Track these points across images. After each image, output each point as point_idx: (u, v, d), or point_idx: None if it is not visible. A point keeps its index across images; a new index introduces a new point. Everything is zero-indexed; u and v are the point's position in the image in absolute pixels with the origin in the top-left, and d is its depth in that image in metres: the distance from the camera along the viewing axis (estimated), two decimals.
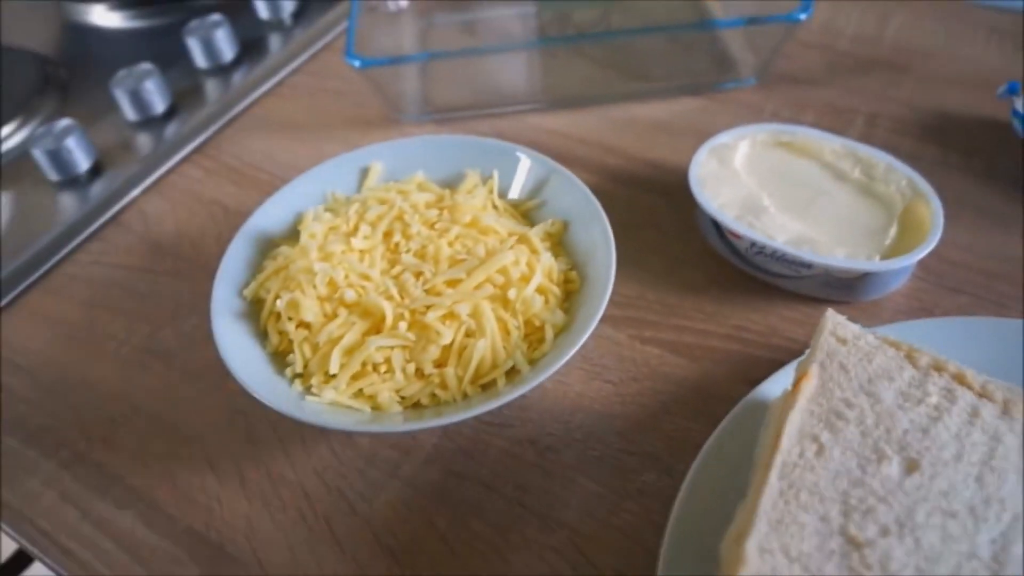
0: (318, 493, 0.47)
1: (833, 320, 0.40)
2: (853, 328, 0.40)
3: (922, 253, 0.49)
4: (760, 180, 0.54)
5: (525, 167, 0.56)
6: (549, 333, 0.47)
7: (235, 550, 0.45)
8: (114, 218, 0.66)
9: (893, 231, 0.51)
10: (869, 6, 0.73)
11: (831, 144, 0.55)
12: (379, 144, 0.57)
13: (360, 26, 0.67)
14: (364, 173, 0.57)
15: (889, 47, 0.69)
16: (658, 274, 0.54)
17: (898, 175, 0.53)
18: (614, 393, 0.49)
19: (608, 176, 0.62)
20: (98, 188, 0.66)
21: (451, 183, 0.56)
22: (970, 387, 0.38)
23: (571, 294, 0.49)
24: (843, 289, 0.50)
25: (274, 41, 0.78)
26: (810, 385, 0.37)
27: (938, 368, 0.38)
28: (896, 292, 0.52)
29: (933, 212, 0.51)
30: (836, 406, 0.37)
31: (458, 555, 0.44)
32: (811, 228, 0.51)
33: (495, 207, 0.53)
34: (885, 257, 0.50)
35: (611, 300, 0.50)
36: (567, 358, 0.44)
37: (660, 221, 0.58)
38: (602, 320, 0.51)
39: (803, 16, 0.60)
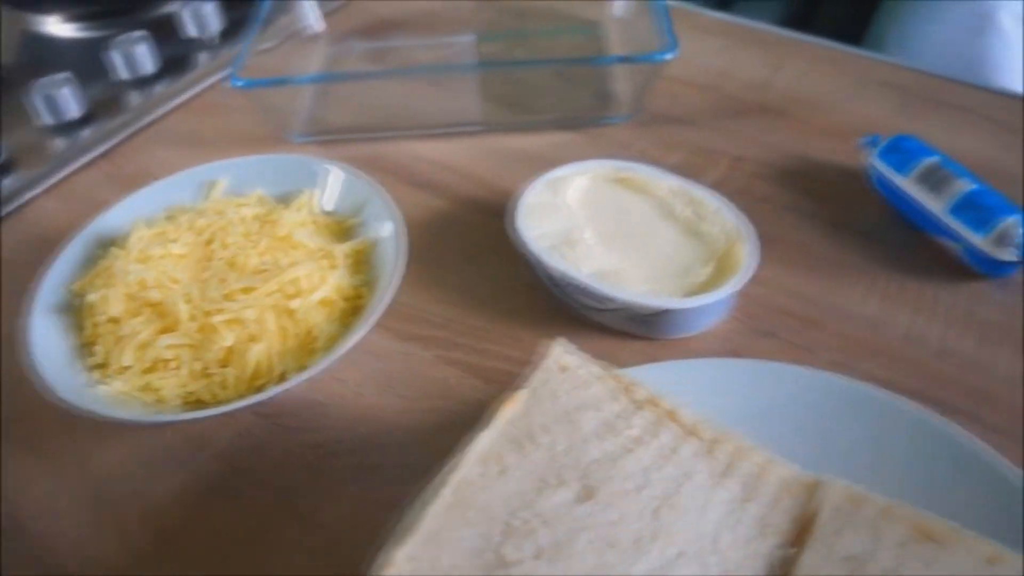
0: (109, 478, 0.48)
1: (560, 348, 0.40)
2: (577, 357, 0.40)
3: (721, 295, 0.50)
4: (588, 213, 0.54)
5: (348, 185, 0.59)
6: (321, 343, 0.49)
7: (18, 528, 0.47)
8: (11, 214, 0.69)
9: (708, 271, 0.51)
10: (769, 54, 0.74)
11: (667, 182, 0.56)
12: (226, 161, 0.59)
13: (278, 48, 0.72)
14: (211, 186, 0.58)
15: (777, 94, 0.69)
16: (481, 299, 0.54)
17: (724, 216, 0.53)
18: (404, 408, 0.49)
19: (460, 202, 0.63)
20: (4, 184, 0.69)
21: (289, 198, 0.57)
22: (680, 424, 0.38)
23: (360, 309, 0.50)
24: (646, 325, 0.50)
25: (201, 58, 0.81)
26: (513, 409, 0.37)
27: (652, 404, 0.38)
28: (708, 332, 0.51)
29: (747, 254, 0.51)
30: (532, 430, 0.37)
31: (219, 548, 0.45)
32: (625, 263, 0.52)
33: (315, 223, 0.54)
34: (691, 295, 0.50)
35: (427, 321, 0.53)
36: (323, 366, 0.46)
37: (496, 248, 0.58)
38: (413, 340, 0.53)
39: (667, 56, 0.60)
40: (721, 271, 0.51)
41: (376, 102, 0.67)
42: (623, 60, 0.62)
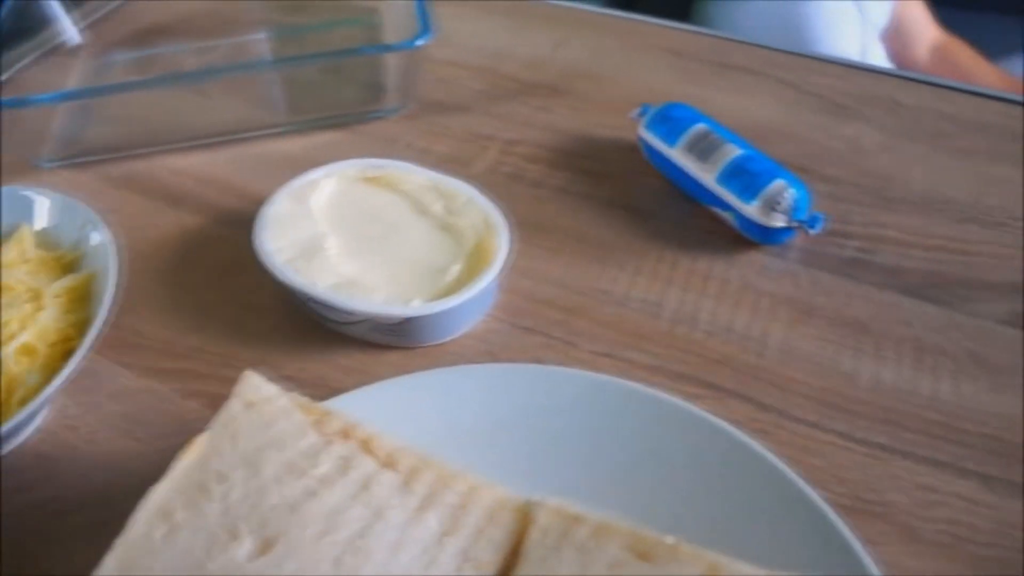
0: None
1: (248, 381, 0.35)
2: (267, 390, 0.35)
3: (469, 294, 0.46)
4: (333, 220, 0.50)
5: (65, 214, 0.52)
6: (19, 396, 0.43)
7: None
8: None
9: (459, 268, 0.47)
10: (553, 30, 0.71)
11: (417, 178, 0.51)
12: None
13: (32, 67, 0.66)
14: None
15: (556, 71, 0.65)
16: (230, 323, 0.50)
17: (476, 209, 0.49)
18: (140, 451, 0.45)
19: (216, 217, 0.58)
20: None
21: (3, 237, 0.51)
22: (375, 455, 0.33)
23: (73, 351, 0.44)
24: (397, 334, 0.46)
25: None
26: (189, 457, 0.33)
27: (346, 434, 0.34)
28: (467, 334, 0.47)
29: (499, 246, 0.47)
30: (207, 480, 0.32)
31: None
32: (371, 269, 0.48)
33: (29, 261, 0.48)
34: (440, 297, 0.46)
35: (169, 353, 0.49)
36: (16, 420, 0.41)
37: (246, 265, 0.53)
38: (154, 375, 0.49)
39: (419, 42, 0.56)
40: (473, 267, 0.47)
41: (136, 115, 0.62)
42: (369, 51, 0.58)
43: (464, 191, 0.50)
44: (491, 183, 0.56)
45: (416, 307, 0.44)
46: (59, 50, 0.73)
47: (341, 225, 0.50)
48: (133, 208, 0.59)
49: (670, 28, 0.69)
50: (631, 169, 0.56)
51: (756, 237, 0.51)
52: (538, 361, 0.46)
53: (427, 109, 0.62)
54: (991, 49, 1.25)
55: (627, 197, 0.55)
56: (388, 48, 0.59)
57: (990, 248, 0.52)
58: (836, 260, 0.51)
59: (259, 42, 0.73)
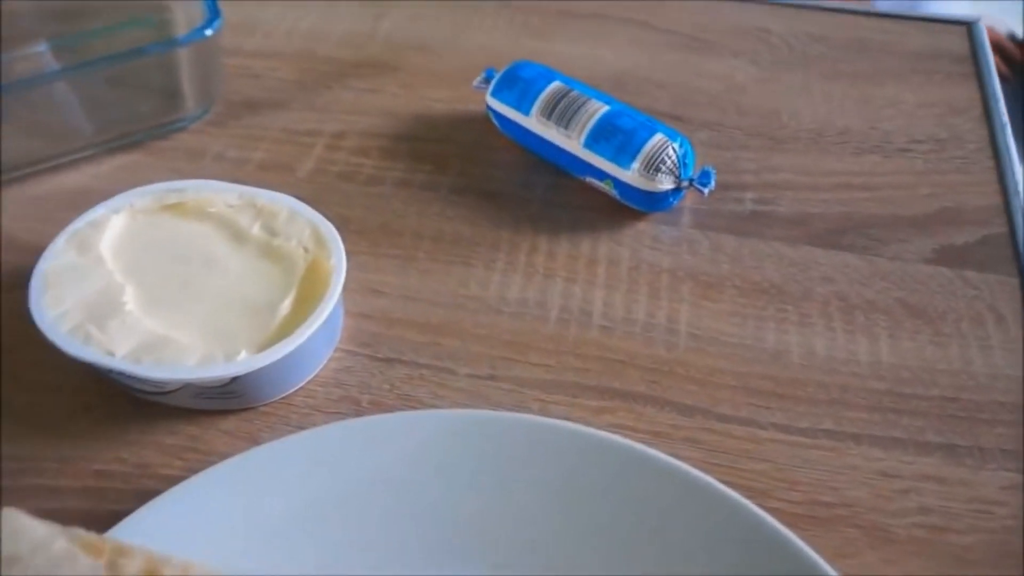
0: None
1: (8, 524, 0.23)
2: (35, 533, 0.23)
3: (300, 337, 0.37)
4: (128, 266, 0.39)
5: None
6: None
7: None
8: None
9: (289, 302, 0.36)
10: (364, 5, 0.61)
11: (226, 197, 0.40)
12: None
13: None
14: None
15: (380, 46, 0.55)
16: (18, 415, 0.39)
17: (301, 223, 0.38)
18: None
19: None
20: None
21: None
22: None
23: None
24: (227, 397, 0.36)
25: None
26: None
27: (151, 573, 0.23)
28: (318, 379, 0.38)
29: (333, 269, 0.39)
30: None
31: None
32: (180, 322, 0.37)
33: None
34: (273, 342, 0.37)
35: None
36: None
37: (30, 337, 0.43)
38: None
39: (209, 32, 0.45)
40: (308, 296, 0.37)
41: None
42: (151, 50, 0.47)
43: (284, 203, 0.40)
44: (321, 187, 0.47)
45: (243, 362, 0.34)
46: None
47: (140, 271, 0.39)
48: None
49: None
50: (482, 145, 0.48)
51: (640, 205, 0.43)
52: (409, 400, 0.38)
53: (236, 111, 0.51)
54: None
55: (482, 180, 0.47)
56: (173, 43, 0.48)
57: (898, 179, 0.46)
58: (734, 217, 0.44)
59: (33, 57, 0.59)
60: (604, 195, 0.44)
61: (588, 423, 0.36)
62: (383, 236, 0.44)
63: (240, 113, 0.51)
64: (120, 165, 0.50)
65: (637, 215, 0.44)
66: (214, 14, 0.47)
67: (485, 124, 0.48)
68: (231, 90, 0.52)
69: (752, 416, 0.36)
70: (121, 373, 0.35)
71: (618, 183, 0.42)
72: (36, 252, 0.44)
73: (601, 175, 0.43)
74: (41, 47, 0.60)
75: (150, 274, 0.39)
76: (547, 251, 0.43)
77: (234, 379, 0.35)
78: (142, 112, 0.52)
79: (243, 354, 0.35)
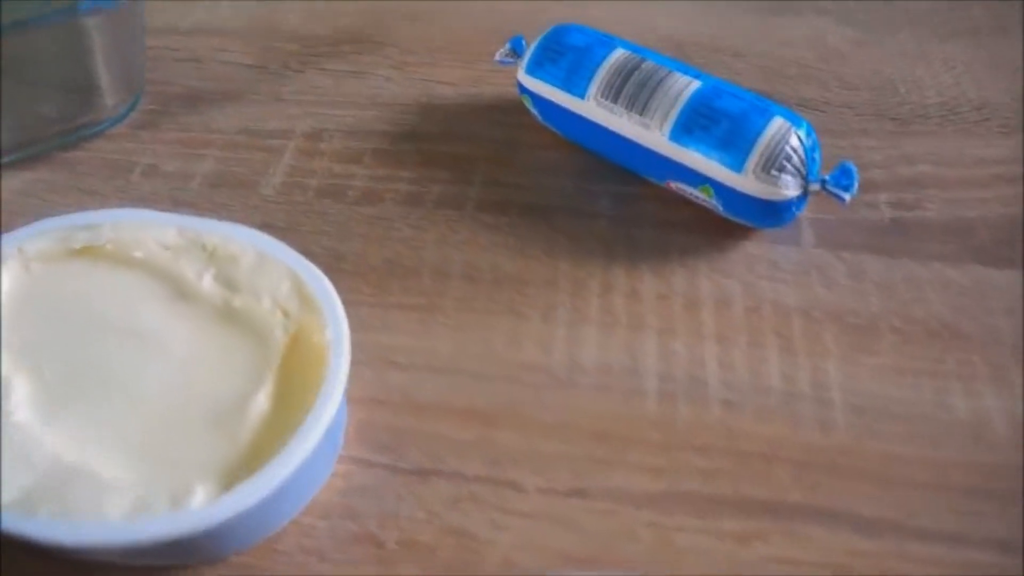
0: None
1: None
2: None
3: (297, 458, 0.23)
4: (18, 346, 0.26)
5: None
6: None
7: None
8: None
9: (263, 399, 0.24)
10: None
11: (162, 233, 0.26)
12: None
13: None
14: None
15: (361, 15, 0.41)
16: None
17: (274, 271, 0.23)
18: None
19: None
20: None
21: None
22: None
23: None
24: (178, 554, 0.22)
25: None
26: None
27: None
28: (314, 507, 0.25)
29: (327, 346, 0.24)
30: None
31: None
32: (98, 440, 0.26)
33: None
34: (244, 467, 0.24)
35: None
36: None
37: None
38: None
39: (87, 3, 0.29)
40: (290, 389, 0.25)
41: None
42: (45, 20, 0.31)
43: (247, 241, 0.26)
44: (296, 210, 0.34)
45: (201, 509, 0.21)
46: None
47: (35, 355, 0.26)
48: None
49: None
50: (515, 143, 0.34)
51: (752, 219, 0.30)
52: (460, 536, 0.25)
53: (171, 107, 0.37)
54: None
55: (522, 191, 0.33)
56: (73, 12, 0.32)
57: None
58: (871, 230, 0.32)
59: None
60: (697, 206, 0.31)
61: (733, 558, 0.21)
62: (391, 277, 0.29)
63: (177, 110, 0.37)
64: (14, 189, 0.34)
65: (742, 232, 0.31)
66: None
67: (516, 113, 0.35)
68: (164, 79, 0.38)
69: (963, 529, 0.23)
70: (8, 534, 0.20)
71: (721, 189, 0.29)
72: None
73: (695, 179, 0.29)
74: None
75: (52, 359, 0.25)
76: (627, 290, 0.29)
77: (189, 537, 0.20)
78: (41, 113, 0.37)
79: (199, 492, 0.21)
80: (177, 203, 0.34)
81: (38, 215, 0.34)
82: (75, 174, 0.36)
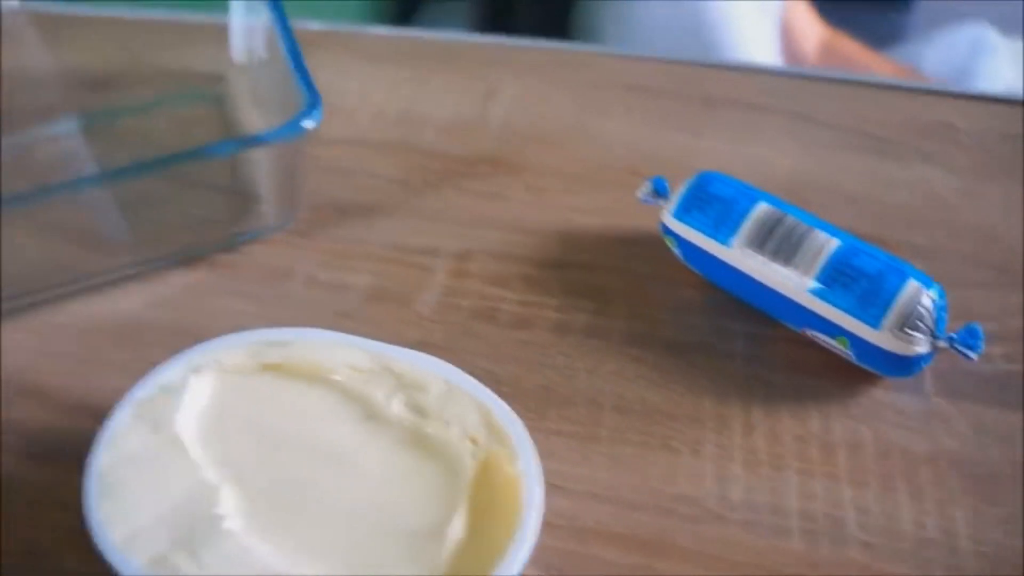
0: None
1: None
2: None
3: None
4: (221, 456, 0.28)
5: None
6: None
7: None
8: None
9: (459, 526, 0.26)
10: (475, 76, 0.50)
11: (351, 355, 0.29)
12: None
13: None
14: None
15: (495, 135, 0.43)
16: None
17: (463, 401, 0.26)
18: None
19: (22, 451, 0.35)
20: None
21: None
22: None
23: None
24: None
25: None
26: None
27: None
28: None
29: (519, 478, 0.28)
30: None
31: None
32: (304, 551, 0.26)
33: None
34: None
35: None
36: None
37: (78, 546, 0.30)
38: None
39: (308, 124, 0.33)
40: (483, 518, 0.27)
41: None
42: (235, 147, 0.36)
43: (436, 372, 0.29)
44: (453, 330, 0.37)
45: None
46: None
47: (237, 464, 0.28)
48: None
49: (618, 57, 0.48)
50: (656, 278, 0.37)
51: (881, 369, 0.33)
52: None
53: (325, 217, 0.40)
54: (871, 41, 1.18)
55: (663, 326, 0.37)
56: (258, 141, 0.35)
57: None
58: (988, 382, 0.36)
59: (60, 138, 0.47)
60: (828, 352, 0.33)
61: None
62: (549, 403, 0.32)
63: (330, 220, 0.40)
64: (179, 287, 0.38)
65: (870, 379, 0.33)
66: (314, 99, 0.35)
67: (654, 248, 0.39)
68: (314, 189, 0.41)
69: None
70: None
71: (856, 341, 0.31)
72: (72, 410, 0.35)
73: (833, 330, 0.32)
74: (69, 124, 0.48)
75: (253, 470, 0.28)
76: (767, 429, 0.32)
77: None
78: (203, 217, 0.40)
79: None
80: (337, 314, 0.37)
81: (203, 315, 0.37)
82: (236, 278, 0.39)
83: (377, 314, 0.36)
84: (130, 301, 0.39)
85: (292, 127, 0.35)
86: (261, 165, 0.40)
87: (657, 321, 0.36)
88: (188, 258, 0.40)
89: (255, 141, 0.36)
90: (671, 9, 0.97)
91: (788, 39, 1.07)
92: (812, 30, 1.11)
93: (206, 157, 0.37)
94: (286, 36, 0.39)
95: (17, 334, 0.38)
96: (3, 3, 0.55)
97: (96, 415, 0.32)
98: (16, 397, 0.35)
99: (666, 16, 0.98)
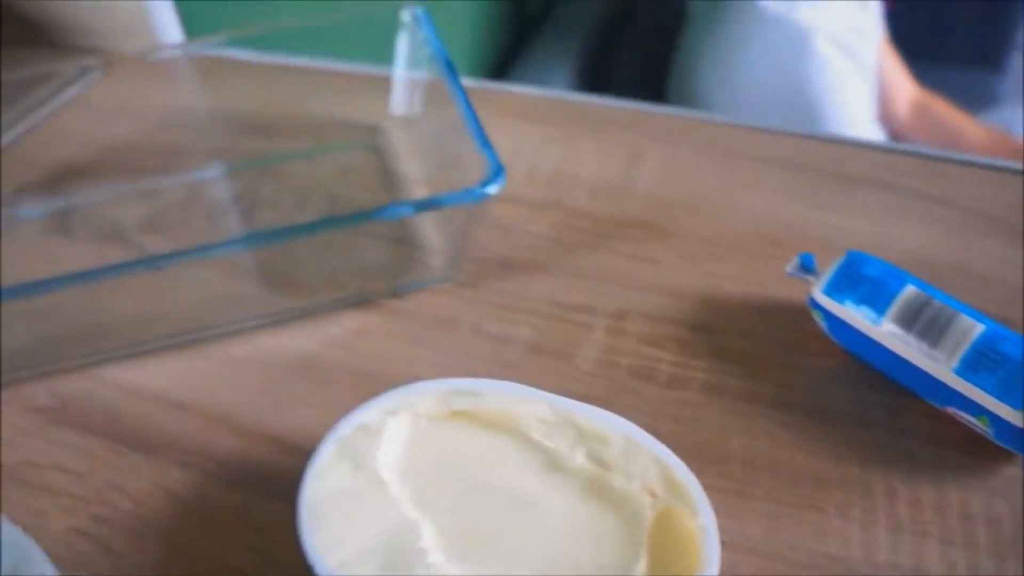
0: None
1: None
2: None
3: None
4: (419, 494, 0.31)
5: None
6: None
7: None
8: None
9: (640, 570, 0.27)
10: (615, 140, 0.54)
11: (536, 408, 0.33)
12: None
13: None
14: None
15: (642, 201, 0.47)
16: None
17: (643, 458, 0.29)
18: None
19: (214, 474, 0.39)
20: None
21: None
22: None
23: None
24: None
25: None
26: None
27: None
28: None
29: (699, 533, 0.31)
30: None
31: None
32: None
33: None
34: None
35: None
36: None
37: (285, 559, 0.35)
38: None
39: (493, 189, 0.36)
40: (660, 566, 0.30)
41: (60, 310, 0.41)
42: (426, 206, 0.38)
43: (616, 428, 0.32)
44: (612, 386, 0.40)
45: None
46: None
47: (434, 503, 0.32)
48: (75, 459, 0.40)
49: (752, 129, 0.52)
50: (802, 348, 0.40)
51: (1020, 447, 0.34)
52: None
53: (488, 270, 0.43)
54: (965, 103, 1.19)
55: (808, 394, 0.40)
56: (443, 202, 0.39)
57: None
58: None
59: (217, 181, 0.52)
60: (966, 428, 0.36)
61: None
62: (705, 461, 0.36)
63: (492, 273, 0.44)
64: (353, 328, 0.42)
65: (1005, 456, 0.36)
66: (497, 167, 0.39)
67: (799, 320, 0.42)
68: (477, 243, 0.44)
69: None
70: None
71: (997, 421, 0.34)
72: (255, 438, 0.40)
73: (976, 410, 0.35)
74: (231, 166, 0.52)
75: (447, 509, 0.31)
76: (908, 498, 0.35)
77: None
78: (373, 265, 0.44)
79: None
80: (502, 365, 0.40)
81: (375, 357, 0.42)
82: (406, 324, 0.43)
83: (540, 366, 0.40)
84: (305, 339, 0.43)
85: (475, 193, 0.39)
86: (435, 221, 0.44)
87: (803, 389, 0.39)
88: (358, 302, 0.44)
89: (438, 203, 0.40)
90: (775, 74, 1.00)
91: (883, 100, 1.10)
92: (906, 91, 1.13)
93: (393, 215, 0.41)
94: (462, 98, 0.42)
95: (200, 362, 0.42)
96: (164, 46, 0.60)
97: (278, 444, 0.38)
98: (202, 422, 0.40)
99: (770, 79, 1.01)
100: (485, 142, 0.40)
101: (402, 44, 0.51)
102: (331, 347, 0.42)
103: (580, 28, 1.25)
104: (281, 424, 0.39)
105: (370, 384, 0.39)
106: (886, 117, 1.15)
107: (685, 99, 1.09)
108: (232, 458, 0.38)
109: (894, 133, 1.11)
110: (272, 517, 0.36)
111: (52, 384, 0.42)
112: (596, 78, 1.23)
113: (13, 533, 0.30)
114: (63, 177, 0.54)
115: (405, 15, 0.50)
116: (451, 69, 0.44)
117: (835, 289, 0.39)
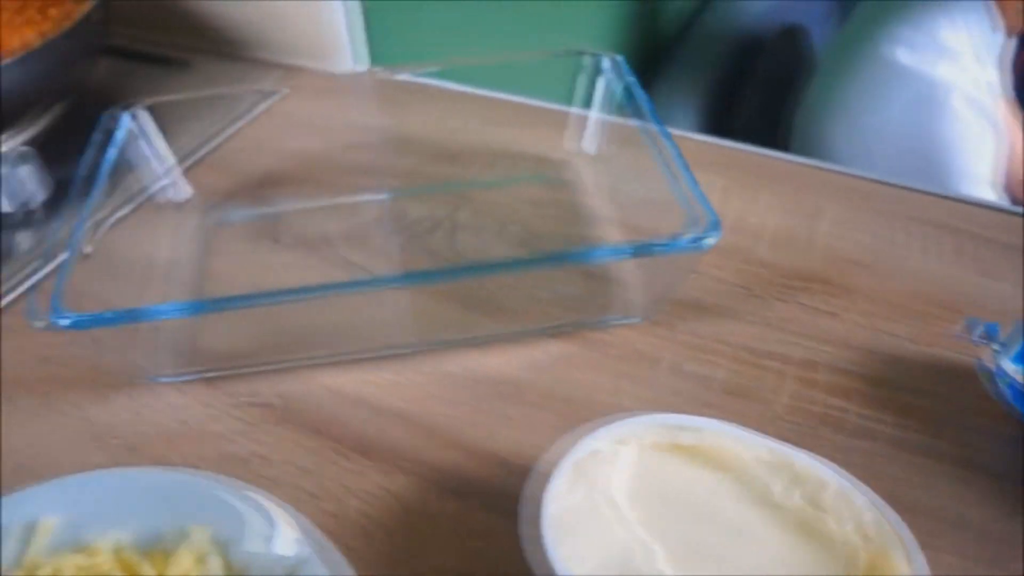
0: None
1: None
2: None
3: None
4: (649, 519, 0.35)
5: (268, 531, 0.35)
6: None
7: None
8: None
9: None
10: (796, 195, 0.58)
11: (755, 450, 0.36)
12: (50, 484, 0.36)
13: (128, 223, 0.52)
14: (30, 531, 0.35)
15: (821, 254, 0.51)
16: None
17: (854, 505, 0.33)
18: None
19: (429, 480, 0.43)
20: None
21: (169, 543, 0.35)
22: None
23: None
24: None
25: (17, 244, 0.56)
26: None
27: None
28: None
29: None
30: None
31: None
32: None
33: None
34: None
35: None
36: None
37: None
38: None
39: (711, 240, 0.40)
40: None
41: (274, 314, 0.45)
42: (645, 251, 0.42)
43: (829, 477, 0.35)
44: (804, 431, 0.44)
45: None
46: (154, 201, 0.55)
47: (663, 529, 0.36)
48: (304, 456, 0.45)
49: (907, 190, 0.56)
50: (975, 410, 0.44)
51: None
52: None
53: (682, 313, 0.47)
54: None
55: (983, 455, 0.43)
56: (661, 248, 0.43)
57: None
58: None
59: (411, 200, 0.56)
60: None
61: None
62: (894, 510, 0.39)
63: (688, 315, 0.48)
64: (553, 356, 0.46)
65: None
66: (715, 219, 0.43)
67: (969, 382, 0.45)
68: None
69: None
70: None
71: None
72: (466, 450, 0.44)
73: None
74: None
75: (675, 534, 0.35)
76: None
77: None
78: (575, 297, 0.48)
79: None
80: (702, 403, 0.44)
81: (576, 385, 0.46)
82: (606, 356, 0.47)
83: (737, 408, 0.44)
84: (509, 362, 0.47)
85: (694, 242, 0.43)
86: (639, 262, 0.48)
87: (983, 450, 0.42)
88: (557, 331, 0.48)
89: (655, 249, 0.44)
90: (907, 127, 1.02)
91: (1009, 160, 1.11)
92: None
93: (614, 257, 0.45)
94: (672, 147, 0.48)
95: (412, 374, 0.47)
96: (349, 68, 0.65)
97: (493, 459, 0.42)
98: (419, 432, 0.45)
99: (900, 132, 1.03)
100: (701, 195, 0.44)
101: (599, 88, 0.56)
102: (536, 372, 0.47)
103: (703, 69, 1.28)
104: (495, 441, 0.44)
105: (576, 411, 0.43)
106: (1012, 175, 1.16)
107: (808, 147, 1.11)
108: (449, 467, 0.43)
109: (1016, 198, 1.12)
110: (491, 527, 0.41)
111: (273, 383, 0.47)
112: (718, 120, 1.25)
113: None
114: (262, 185, 0.59)
115: (605, 62, 0.54)
116: (655, 117, 0.48)
117: (1020, 359, 0.43)
